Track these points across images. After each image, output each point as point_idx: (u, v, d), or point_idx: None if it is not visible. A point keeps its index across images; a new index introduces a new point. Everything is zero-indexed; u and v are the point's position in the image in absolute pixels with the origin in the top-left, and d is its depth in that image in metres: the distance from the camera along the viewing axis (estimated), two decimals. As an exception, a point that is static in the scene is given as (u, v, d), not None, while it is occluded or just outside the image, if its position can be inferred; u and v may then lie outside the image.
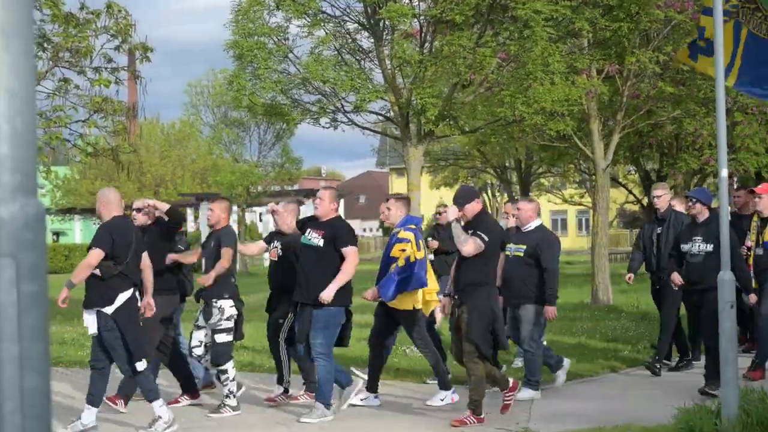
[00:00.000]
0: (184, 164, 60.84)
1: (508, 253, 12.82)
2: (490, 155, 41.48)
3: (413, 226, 12.45)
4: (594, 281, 25.21)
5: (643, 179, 37.12)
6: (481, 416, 11.05)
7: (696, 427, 10.00)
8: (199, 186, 59.10)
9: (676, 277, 12.94)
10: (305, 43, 19.37)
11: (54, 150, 23.55)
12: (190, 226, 53.69)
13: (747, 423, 9.88)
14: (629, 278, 14.94)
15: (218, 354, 11.85)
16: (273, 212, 13.12)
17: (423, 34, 19.12)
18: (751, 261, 13.51)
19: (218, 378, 12.23)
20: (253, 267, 50.04)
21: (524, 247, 12.66)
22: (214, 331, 11.84)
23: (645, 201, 36.76)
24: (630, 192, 40.63)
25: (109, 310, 10.50)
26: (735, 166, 28.42)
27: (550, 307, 12.68)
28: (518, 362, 14.92)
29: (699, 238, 12.45)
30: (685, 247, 12.59)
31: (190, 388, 12.58)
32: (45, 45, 21.54)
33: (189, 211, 54.68)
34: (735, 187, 23.95)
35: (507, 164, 46.16)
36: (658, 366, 14.10)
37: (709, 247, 12.31)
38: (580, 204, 56.01)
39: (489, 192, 66.30)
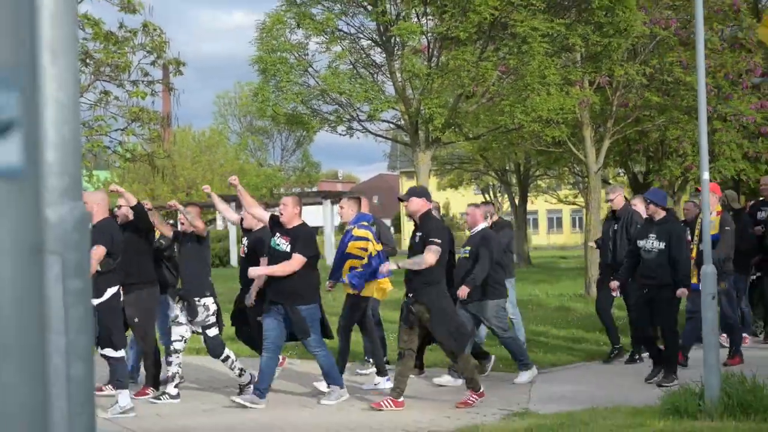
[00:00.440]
0: (213, 168, 60.88)
1: (458, 255, 12.74)
2: (492, 159, 41.48)
3: (365, 223, 12.48)
4: (587, 274, 25.14)
5: (631, 181, 37.16)
6: (481, 390, 11.11)
7: (681, 407, 9.96)
8: (227, 188, 59.08)
9: (614, 285, 12.89)
10: (323, 58, 19.45)
11: (96, 156, 23.61)
12: (219, 225, 53.73)
13: (728, 404, 9.84)
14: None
15: (215, 347, 11.90)
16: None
17: (430, 50, 19.11)
18: (694, 254, 13.35)
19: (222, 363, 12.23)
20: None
21: (470, 248, 12.54)
22: (204, 328, 11.83)
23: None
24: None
25: (95, 302, 10.41)
26: (714, 174, 28.33)
27: (462, 289, 12.38)
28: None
29: (653, 236, 12.26)
30: (641, 243, 12.45)
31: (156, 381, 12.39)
32: (87, 61, 21.58)
33: (218, 213, 54.71)
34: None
35: (507, 168, 46.10)
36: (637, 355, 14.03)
37: (662, 245, 12.16)
38: (574, 203, 56.03)
39: (491, 193, 66.20)
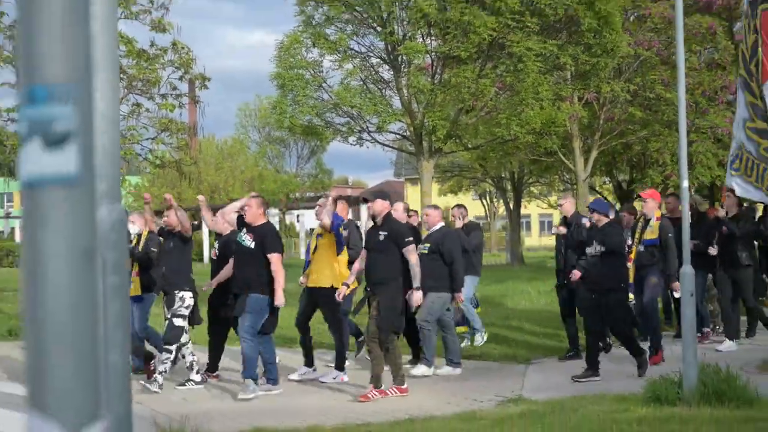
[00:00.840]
0: (234, 174, 60.92)
1: (420, 250, 12.38)
2: (489, 168, 41.45)
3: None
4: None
5: (616, 188, 37.28)
6: (404, 386, 11.00)
7: (662, 395, 9.96)
8: (246, 193, 58.97)
9: (576, 274, 12.79)
10: (336, 74, 19.41)
11: (128, 162, 23.67)
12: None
13: (704, 393, 9.83)
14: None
15: (173, 335, 11.70)
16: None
17: (434, 68, 19.13)
18: (632, 257, 13.20)
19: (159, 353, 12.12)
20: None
21: (428, 245, 12.42)
22: (173, 315, 11.71)
23: (618, 206, 36.73)
24: (606, 199, 40.58)
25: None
26: (691, 180, 28.37)
27: (459, 294, 12.54)
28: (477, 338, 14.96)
29: (596, 241, 12.05)
30: (587, 249, 12.28)
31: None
32: (121, 76, 21.59)
33: (239, 213, 54.76)
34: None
35: (503, 175, 46.09)
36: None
37: (603, 249, 11.92)
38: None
39: (488, 198, 66.15)
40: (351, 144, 20.23)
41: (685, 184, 10.68)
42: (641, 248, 13.19)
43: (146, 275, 12.47)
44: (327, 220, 12.13)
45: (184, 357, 11.96)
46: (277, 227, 50.69)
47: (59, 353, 1.33)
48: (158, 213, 14.87)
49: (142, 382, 11.68)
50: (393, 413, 10.12)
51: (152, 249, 12.50)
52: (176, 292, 11.75)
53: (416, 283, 10.83)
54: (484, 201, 67.10)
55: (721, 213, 14.47)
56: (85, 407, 1.34)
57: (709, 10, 25.02)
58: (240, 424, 9.53)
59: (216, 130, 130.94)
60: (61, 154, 1.32)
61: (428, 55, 19.00)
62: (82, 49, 1.34)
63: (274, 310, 11.35)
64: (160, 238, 12.48)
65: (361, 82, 19.32)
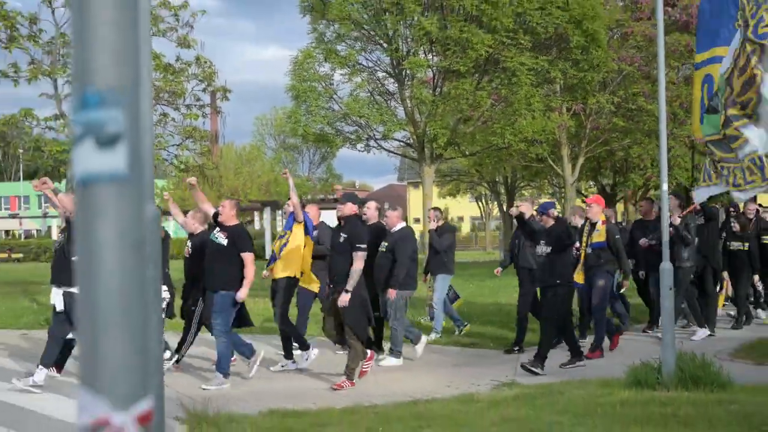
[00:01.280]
0: (252, 178, 60.99)
1: (381, 249, 12.36)
2: (485, 172, 41.52)
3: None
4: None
5: (600, 192, 37.36)
6: (353, 381, 10.74)
7: (642, 380, 9.96)
8: (263, 195, 59.12)
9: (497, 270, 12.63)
10: (346, 87, 19.38)
11: (156, 167, 23.61)
12: (256, 225, 53.79)
13: (682, 378, 9.84)
14: (497, 271, 14.72)
15: None
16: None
17: (435, 81, 19.12)
18: (582, 257, 12.95)
19: None
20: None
21: (386, 244, 12.27)
22: None
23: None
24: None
25: (74, 290, 10.28)
26: (670, 181, 28.41)
27: (391, 290, 12.20)
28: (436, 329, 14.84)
29: (543, 241, 11.93)
30: (537, 249, 12.13)
31: None
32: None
33: (255, 214, 54.90)
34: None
35: (497, 179, 46.14)
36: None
37: (549, 249, 11.82)
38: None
39: (483, 200, 66.14)
40: (359, 150, 20.24)
41: (665, 187, 10.69)
42: (589, 251, 12.91)
43: None
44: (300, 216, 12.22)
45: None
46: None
47: (110, 336, 1.33)
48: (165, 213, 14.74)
49: None
50: (397, 396, 10.12)
51: None
52: None
53: (348, 286, 10.44)
54: (479, 203, 67.10)
55: (676, 219, 14.37)
56: (133, 386, 1.34)
57: (686, 29, 25.01)
58: (257, 406, 9.53)
59: (235, 137, 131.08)
60: (112, 153, 1.32)
61: (430, 70, 18.99)
62: (131, 57, 1.34)
63: (240, 305, 11.14)
64: None
65: (369, 94, 19.30)
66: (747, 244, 15.11)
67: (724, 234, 15.27)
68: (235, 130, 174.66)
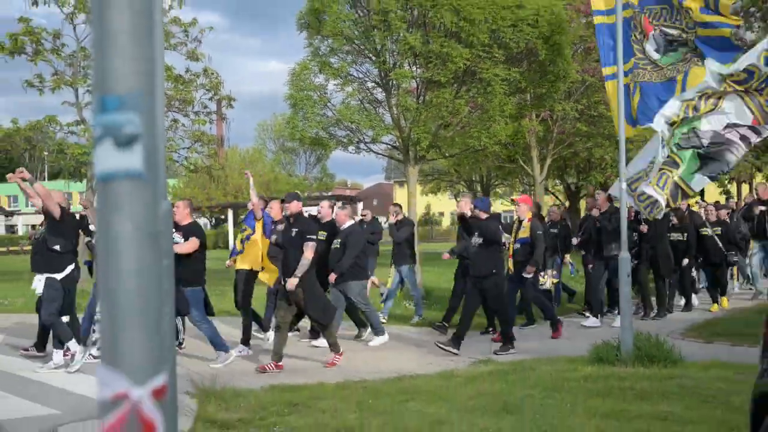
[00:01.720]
0: (255, 178, 60.89)
1: (334, 245, 12.26)
2: (463, 172, 41.52)
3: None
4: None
5: (565, 189, 37.48)
6: (341, 351, 10.73)
7: (604, 357, 10.01)
8: (264, 192, 58.94)
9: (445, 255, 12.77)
10: (338, 95, 19.32)
11: (167, 168, 23.55)
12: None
13: (638, 355, 9.89)
14: (445, 256, 14.28)
15: None
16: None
17: (419, 90, 19.09)
18: (510, 251, 12.84)
19: None
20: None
21: (339, 240, 12.13)
22: None
23: (567, 204, 37.02)
24: (557, 198, 40.82)
25: (58, 276, 10.20)
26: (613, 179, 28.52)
27: (331, 276, 12.02)
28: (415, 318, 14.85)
29: (476, 233, 11.80)
30: (471, 240, 11.94)
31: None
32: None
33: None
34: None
35: (474, 178, 46.12)
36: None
37: (480, 241, 11.68)
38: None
39: (461, 197, 66.22)
40: (350, 152, 20.17)
41: (624, 184, 10.73)
42: (517, 246, 12.73)
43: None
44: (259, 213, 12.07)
45: None
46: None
47: (128, 319, 1.32)
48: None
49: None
50: (384, 373, 10.13)
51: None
52: None
53: (297, 272, 10.25)
54: (458, 199, 67.21)
55: (596, 212, 14.31)
56: (149, 363, 1.33)
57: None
58: (259, 382, 9.53)
59: (239, 141, 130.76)
60: (129, 153, 1.31)
61: (414, 80, 18.95)
62: (146, 65, 1.33)
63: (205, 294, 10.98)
64: None
65: (359, 102, 19.25)
66: (686, 235, 15.05)
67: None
68: (239, 135, 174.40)
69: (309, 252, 10.34)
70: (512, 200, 13.83)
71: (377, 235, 15.11)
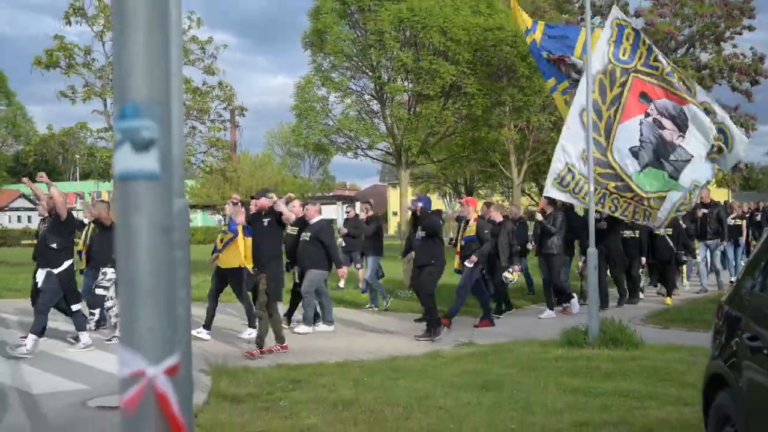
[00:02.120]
0: (263, 179, 60.58)
1: (303, 238, 12.07)
2: (449, 175, 41.48)
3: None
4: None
5: (540, 191, 37.36)
6: (285, 344, 10.29)
7: (573, 340, 10.03)
8: (277, 193, 58.93)
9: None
10: (339, 107, 19.31)
11: (186, 169, 23.52)
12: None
13: (603, 338, 9.91)
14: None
15: (95, 302, 11.19)
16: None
17: (410, 103, 19.08)
18: (458, 249, 12.51)
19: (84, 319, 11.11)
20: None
21: (309, 233, 11.93)
22: (96, 286, 11.09)
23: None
24: (533, 199, 40.82)
25: (55, 270, 10.08)
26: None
27: (340, 270, 12.14)
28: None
29: (420, 227, 11.62)
30: (417, 233, 11.74)
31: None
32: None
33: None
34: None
35: (458, 181, 46.12)
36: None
37: (423, 234, 11.50)
38: (502, 206, 56.10)
39: (447, 198, 66.16)
40: (349, 157, 20.15)
41: (592, 187, 10.72)
42: (463, 243, 12.42)
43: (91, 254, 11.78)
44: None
45: (110, 318, 11.29)
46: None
47: (145, 304, 1.31)
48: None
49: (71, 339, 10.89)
50: (378, 353, 10.12)
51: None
52: (101, 268, 11.09)
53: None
54: (444, 200, 67.13)
55: (539, 215, 14.17)
56: (163, 345, 1.32)
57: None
58: (267, 361, 9.52)
59: (250, 147, 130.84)
60: (146, 156, 1.30)
61: (406, 94, 18.92)
62: (162, 76, 1.32)
63: None
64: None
65: (357, 113, 19.23)
66: (637, 232, 14.85)
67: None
68: (250, 141, 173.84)
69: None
70: (461, 203, 13.47)
71: (375, 229, 15.01)
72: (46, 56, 22.93)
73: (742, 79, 27.28)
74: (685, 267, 16.40)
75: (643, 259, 14.99)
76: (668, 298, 15.02)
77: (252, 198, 11.28)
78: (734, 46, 27.81)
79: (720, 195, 48.79)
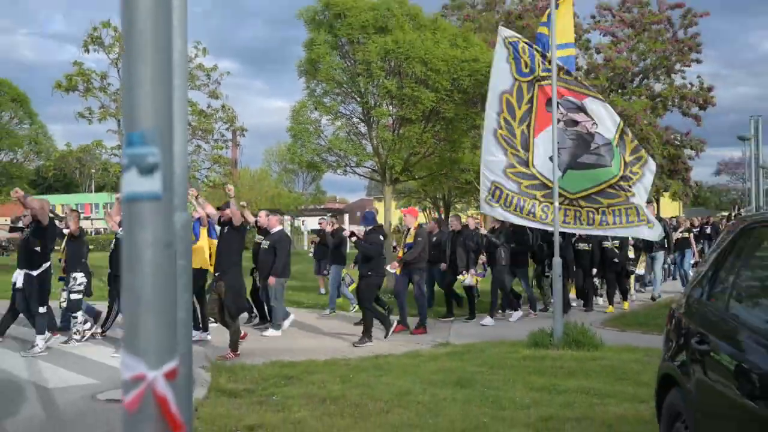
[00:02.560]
0: (261, 193, 60.54)
1: (263, 246, 11.82)
2: (429, 191, 41.47)
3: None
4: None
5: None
6: (237, 352, 9.77)
7: (539, 342, 10.02)
8: (270, 205, 58.56)
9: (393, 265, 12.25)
10: (330, 128, 19.30)
11: (191, 184, 23.41)
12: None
13: (567, 340, 9.90)
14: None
15: (72, 306, 10.83)
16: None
17: (394, 125, 19.10)
18: (400, 254, 12.31)
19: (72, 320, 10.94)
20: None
21: (269, 242, 11.72)
22: (70, 292, 10.80)
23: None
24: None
25: (34, 272, 9.87)
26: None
27: (272, 277, 11.58)
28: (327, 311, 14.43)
29: (363, 243, 11.12)
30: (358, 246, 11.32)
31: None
32: (188, 127, 21.58)
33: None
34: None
35: (438, 196, 46.15)
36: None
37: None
38: (477, 219, 56.05)
39: (427, 211, 66.23)
40: (339, 174, 20.12)
41: (557, 203, 10.74)
42: (405, 250, 12.21)
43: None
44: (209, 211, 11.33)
45: (75, 318, 10.94)
46: (289, 229, 50.08)
47: (147, 311, 1.30)
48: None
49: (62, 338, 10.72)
50: (364, 352, 10.09)
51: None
52: (71, 274, 10.77)
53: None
54: (425, 213, 67.15)
55: (483, 230, 14.10)
56: (164, 349, 1.31)
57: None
58: (262, 359, 9.46)
59: (250, 163, 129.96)
60: (151, 179, 1.29)
61: (390, 117, 18.95)
62: (166, 106, 1.31)
63: None
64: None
65: (346, 134, 19.22)
66: (590, 245, 14.61)
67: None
68: (249, 158, 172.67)
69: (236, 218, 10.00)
70: (403, 213, 13.21)
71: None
72: (66, 80, 22.91)
73: (691, 106, 27.54)
74: (632, 277, 16.21)
75: (594, 270, 14.77)
76: (626, 302, 14.98)
77: (218, 209, 11.13)
78: (683, 77, 28.10)
79: (672, 208, 49.22)
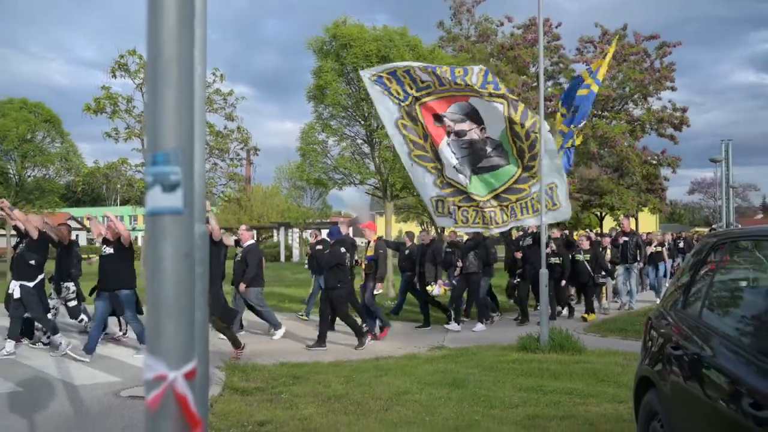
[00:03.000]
0: (272, 207, 60.57)
1: (236, 258, 11.52)
2: (426, 206, 41.56)
3: None
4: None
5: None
6: (241, 347, 9.70)
7: (527, 346, 9.98)
8: (280, 218, 58.63)
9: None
10: (336, 149, 19.34)
11: (208, 199, 23.47)
12: (274, 238, 53.32)
13: (553, 344, 9.87)
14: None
15: (73, 312, 10.71)
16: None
17: (394, 147, 19.13)
18: (363, 266, 12.09)
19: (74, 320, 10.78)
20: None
21: (241, 254, 11.46)
22: (66, 300, 10.61)
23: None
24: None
25: (31, 284, 9.56)
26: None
27: (242, 284, 11.24)
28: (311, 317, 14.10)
29: (325, 256, 10.96)
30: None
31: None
32: (206, 146, 21.63)
33: (274, 231, 54.45)
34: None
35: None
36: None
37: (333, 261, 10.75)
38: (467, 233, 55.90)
39: (425, 225, 66.17)
40: (343, 190, 20.20)
41: (545, 219, 10.72)
42: (366, 261, 12.05)
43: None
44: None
45: (55, 315, 10.51)
46: (297, 240, 50.05)
47: (168, 318, 1.29)
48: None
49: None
50: (365, 355, 10.05)
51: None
52: (62, 283, 10.60)
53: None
54: (422, 227, 67.12)
55: (446, 241, 13.99)
56: (184, 352, 1.30)
57: (553, 115, 25.11)
58: (272, 360, 9.43)
59: (262, 180, 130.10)
60: (173, 195, 1.29)
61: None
62: (188, 128, 1.31)
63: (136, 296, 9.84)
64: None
65: (351, 154, 19.27)
66: (561, 259, 14.18)
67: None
68: (261, 175, 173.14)
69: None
70: (360, 227, 12.90)
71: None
72: (94, 103, 23.03)
73: (667, 127, 27.57)
74: (605, 288, 15.93)
75: (563, 282, 14.32)
76: (591, 315, 14.19)
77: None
78: (659, 98, 28.18)
79: (650, 223, 49.12)
